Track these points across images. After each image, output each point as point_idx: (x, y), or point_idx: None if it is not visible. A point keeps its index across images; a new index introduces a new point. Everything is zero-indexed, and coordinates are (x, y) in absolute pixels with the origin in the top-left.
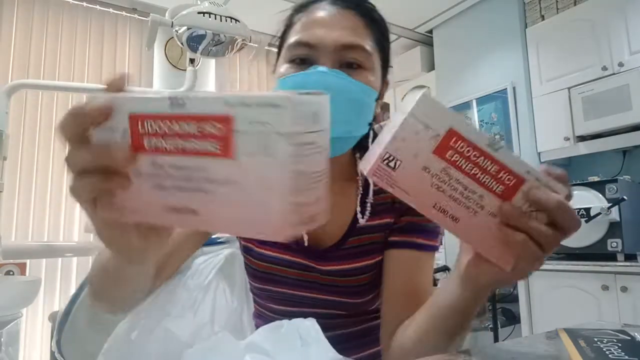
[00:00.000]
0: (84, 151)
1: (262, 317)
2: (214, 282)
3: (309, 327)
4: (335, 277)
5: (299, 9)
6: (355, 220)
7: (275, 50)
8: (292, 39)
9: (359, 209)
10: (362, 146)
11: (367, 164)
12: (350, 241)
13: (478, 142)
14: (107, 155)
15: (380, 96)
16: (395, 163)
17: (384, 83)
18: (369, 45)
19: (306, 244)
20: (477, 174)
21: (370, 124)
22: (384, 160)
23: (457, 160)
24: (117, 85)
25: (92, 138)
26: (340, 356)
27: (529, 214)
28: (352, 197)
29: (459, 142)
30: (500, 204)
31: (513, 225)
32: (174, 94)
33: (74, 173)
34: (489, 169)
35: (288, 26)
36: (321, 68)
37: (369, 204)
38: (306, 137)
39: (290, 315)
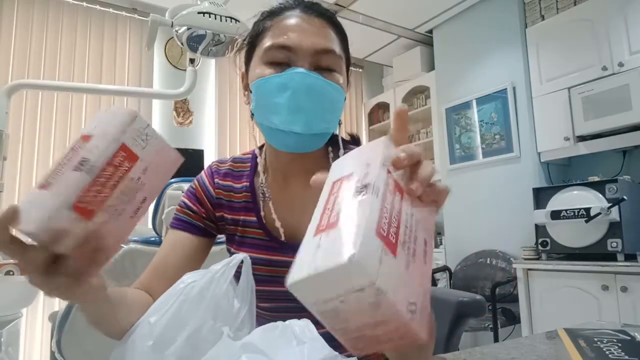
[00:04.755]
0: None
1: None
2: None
3: (304, 326)
4: None
5: (271, 16)
6: None
7: None
8: (268, 42)
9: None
10: (334, 142)
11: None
12: None
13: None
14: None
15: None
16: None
17: (348, 83)
18: (338, 50)
19: (283, 239)
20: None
21: (340, 122)
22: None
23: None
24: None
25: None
26: (336, 353)
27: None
28: None
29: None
30: (407, 189)
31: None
32: None
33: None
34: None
35: (260, 31)
36: (299, 69)
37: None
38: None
39: (279, 311)
